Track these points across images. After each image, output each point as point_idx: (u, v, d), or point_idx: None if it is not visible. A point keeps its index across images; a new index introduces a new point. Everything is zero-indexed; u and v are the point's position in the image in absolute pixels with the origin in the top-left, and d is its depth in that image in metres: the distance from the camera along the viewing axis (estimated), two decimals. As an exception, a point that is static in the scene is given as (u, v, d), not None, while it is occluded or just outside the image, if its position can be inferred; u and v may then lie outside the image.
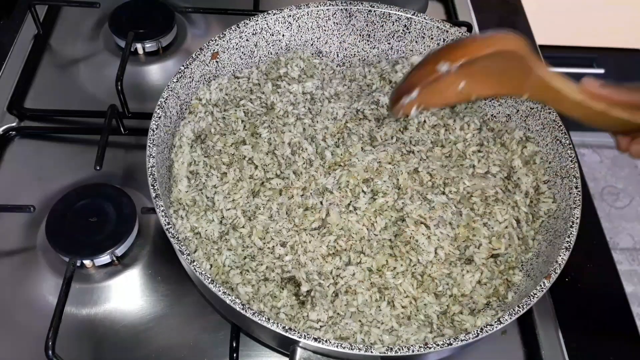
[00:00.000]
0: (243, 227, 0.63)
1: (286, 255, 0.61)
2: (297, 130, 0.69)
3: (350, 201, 0.64)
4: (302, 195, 0.65)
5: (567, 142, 0.65)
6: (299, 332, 0.51)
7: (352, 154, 0.67)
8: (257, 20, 0.73)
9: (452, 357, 0.64)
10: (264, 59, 0.76)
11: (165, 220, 0.56)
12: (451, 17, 1.03)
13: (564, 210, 0.63)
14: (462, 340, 0.51)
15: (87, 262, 0.67)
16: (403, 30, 0.76)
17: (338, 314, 0.58)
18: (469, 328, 0.59)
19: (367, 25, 0.77)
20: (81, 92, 0.87)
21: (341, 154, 0.67)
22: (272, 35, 0.75)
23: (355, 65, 0.79)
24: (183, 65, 0.68)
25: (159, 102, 0.64)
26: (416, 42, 0.76)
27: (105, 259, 0.68)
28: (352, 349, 0.50)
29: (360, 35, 0.78)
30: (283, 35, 0.75)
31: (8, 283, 0.68)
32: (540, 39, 1.04)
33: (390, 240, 0.62)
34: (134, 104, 0.82)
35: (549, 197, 0.66)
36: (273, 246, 0.62)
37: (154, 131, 0.62)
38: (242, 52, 0.74)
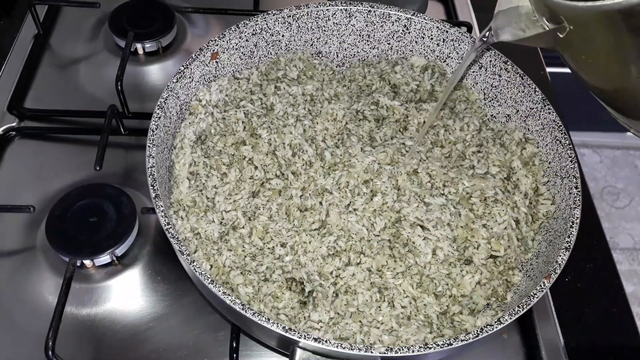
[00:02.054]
0: (243, 227, 0.63)
1: (286, 255, 0.61)
2: (297, 131, 0.69)
3: (350, 202, 0.64)
4: (302, 195, 0.65)
5: (567, 142, 0.65)
6: (298, 333, 0.51)
7: (351, 155, 0.67)
8: (257, 21, 0.73)
9: (452, 357, 0.64)
10: (263, 60, 0.76)
11: (165, 220, 0.56)
12: (451, 17, 1.03)
13: (564, 210, 0.63)
14: (462, 341, 0.51)
15: (87, 262, 0.67)
16: (403, 31, 0.76)
17: (338, 314, 0.58)
18: (469, 328, 0.59)
19: (366, 25, 0.77)
20: (81, 92, 0.87)
21: (341, 155, 0.67)
22: (272, 35, 0.75)
23: (354, 66, 0.79)
24: (183, 66, 0.68)
25: (159, 102, 0.64)
26: (416, 42, 0.76)
27: (105, 259, 0.68)
28: (352, 349, 0.50)
29: (360, 35, 0.78)
30: (283, 36, 0.75)
31: (8, 283, 0.68)
32: (540, 39, 1.03)
33: (389, 240, 0.62)
34: (134, 104, 0.82)
35: (548, 199, 0.66)
36: (273, 246, 0.62)
37: (153, 131, 0.62)
38: (242, 53, 0.74)
